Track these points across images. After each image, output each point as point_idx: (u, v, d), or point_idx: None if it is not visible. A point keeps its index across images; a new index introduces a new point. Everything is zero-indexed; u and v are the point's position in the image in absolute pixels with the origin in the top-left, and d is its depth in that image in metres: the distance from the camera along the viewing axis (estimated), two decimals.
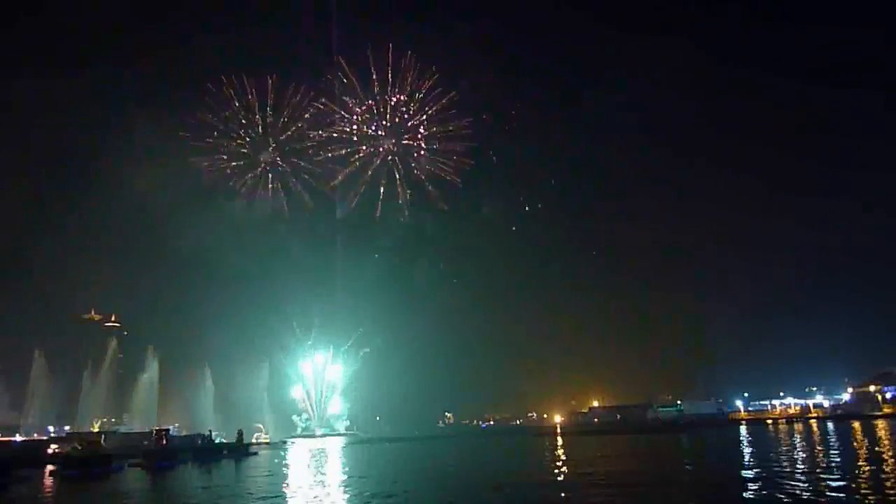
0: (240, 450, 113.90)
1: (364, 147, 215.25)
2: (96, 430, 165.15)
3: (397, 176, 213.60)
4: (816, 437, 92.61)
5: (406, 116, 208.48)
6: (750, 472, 49.00)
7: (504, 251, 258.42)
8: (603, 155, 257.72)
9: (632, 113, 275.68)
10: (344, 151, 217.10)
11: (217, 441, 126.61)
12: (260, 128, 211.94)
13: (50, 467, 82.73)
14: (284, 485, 55.44)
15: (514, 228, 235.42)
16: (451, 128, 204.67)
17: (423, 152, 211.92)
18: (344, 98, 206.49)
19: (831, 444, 77.90)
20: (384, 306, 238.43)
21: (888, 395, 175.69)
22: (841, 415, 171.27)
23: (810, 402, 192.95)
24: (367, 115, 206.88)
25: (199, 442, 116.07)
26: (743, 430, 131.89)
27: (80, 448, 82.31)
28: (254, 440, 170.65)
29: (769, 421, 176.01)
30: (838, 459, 56.63)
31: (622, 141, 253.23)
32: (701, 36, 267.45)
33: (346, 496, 44.65)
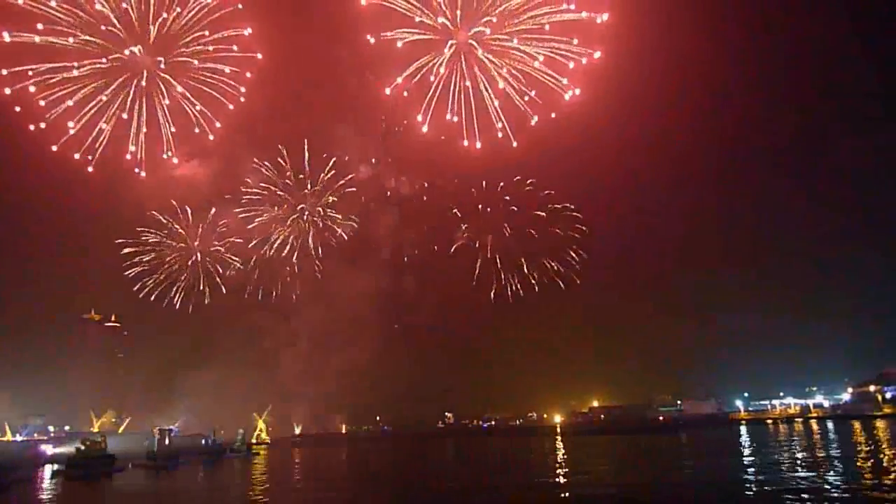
0: (242, 450, 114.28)
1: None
2: (97, 430, 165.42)
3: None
4: (816, 437, 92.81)
5: None
6: (750, 470, 49.26)
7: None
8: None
9: None
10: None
11: (219, 441, 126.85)
12: None
13: (51, 467, 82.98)
14: None
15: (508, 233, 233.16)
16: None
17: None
18: None
19: (831, 443, 78.12)
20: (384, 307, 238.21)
21: (888, 395, 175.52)
22: (841, 415, 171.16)
23: (810, 402, 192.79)
24: None
25: (203, 442, 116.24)
26: (743, 429, 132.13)
27: (82, 448, 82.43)
28: (254, 440, 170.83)
29: (769, 421, 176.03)
30: (838, 460, 56.80)
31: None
32: None
33: None
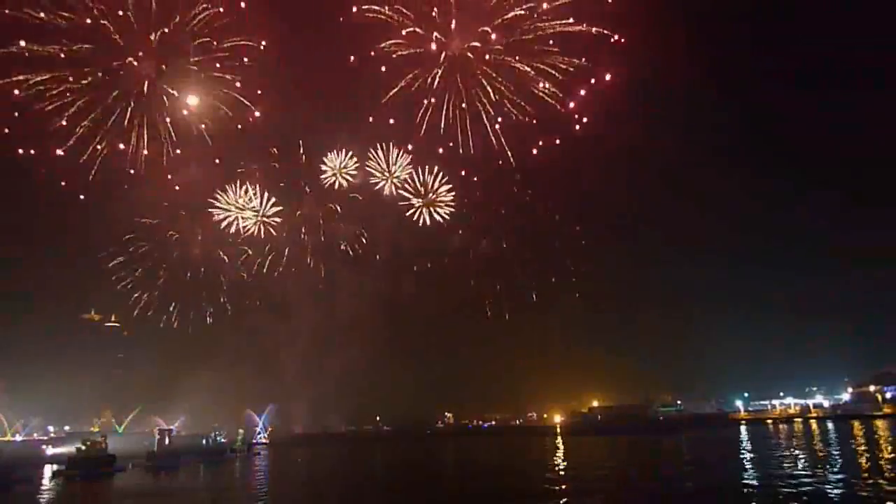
0: (242, 450, 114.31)
1: None
2: (97, 430, 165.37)
3: None
4: (816, 437, 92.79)
5: None
6: (749, 471, 49.27)
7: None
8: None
9: None
10: None
11: (220, 441, 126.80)
12: None
13: (51, 468, 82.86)
14: None
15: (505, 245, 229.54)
16: None
17: None
18: None
19: (831, 443, 78.10)
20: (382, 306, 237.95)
21: (888, 395, 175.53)
22: (841, 415, 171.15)
23: (810, 402, 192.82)
24: None
25: (203, 442, 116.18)
26: (743, 429, 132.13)
27: (83, 448, 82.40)
28: (253, 440, 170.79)
29: (769, 421, 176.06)
30: (838, 459, 56.80)
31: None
32: None
33: None
